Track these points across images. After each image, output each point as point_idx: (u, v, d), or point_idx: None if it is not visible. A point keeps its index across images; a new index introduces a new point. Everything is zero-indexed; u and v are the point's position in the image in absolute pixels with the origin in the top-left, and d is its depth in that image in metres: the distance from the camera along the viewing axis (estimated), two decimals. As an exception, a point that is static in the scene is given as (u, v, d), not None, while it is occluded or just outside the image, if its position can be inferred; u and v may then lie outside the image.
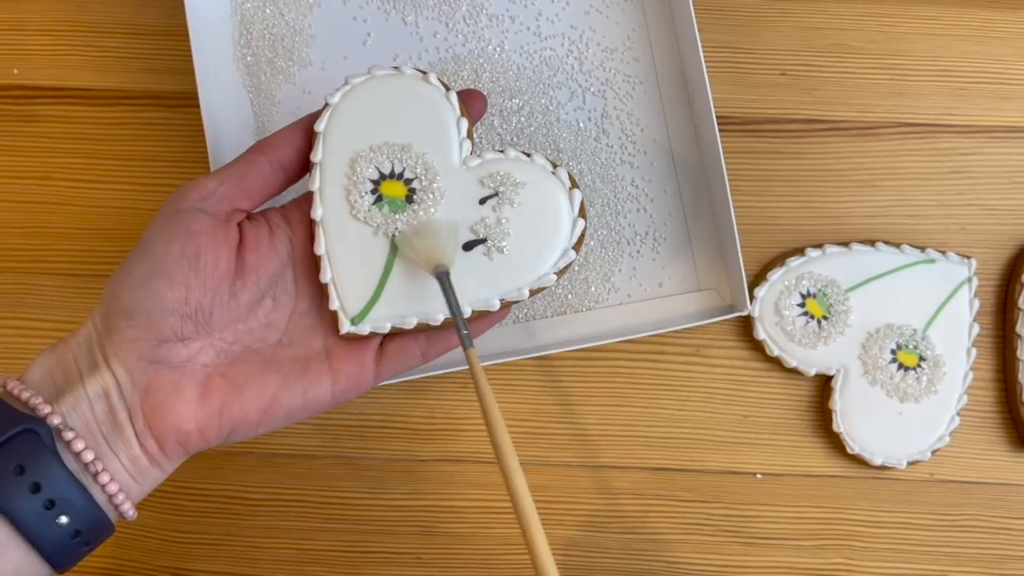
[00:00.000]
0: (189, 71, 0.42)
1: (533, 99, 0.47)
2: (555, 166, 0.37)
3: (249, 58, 0.46)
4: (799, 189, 0.48)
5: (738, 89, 0.48)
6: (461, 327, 0.35)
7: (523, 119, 0.47)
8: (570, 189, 0.37)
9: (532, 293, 0.37)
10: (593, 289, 0.46)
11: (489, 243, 0.37)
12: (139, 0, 0.48)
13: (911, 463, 0.45)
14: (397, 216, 0.36)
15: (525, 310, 0.46)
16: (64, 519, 0.31)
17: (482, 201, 0.37)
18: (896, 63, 0.48)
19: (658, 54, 0.47)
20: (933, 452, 0.45)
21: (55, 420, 0.31)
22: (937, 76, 0.48)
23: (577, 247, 0.37)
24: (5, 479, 0.30)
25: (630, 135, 0.47)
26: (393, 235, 0.36)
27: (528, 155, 0.37)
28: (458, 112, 0.37)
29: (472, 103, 0.38)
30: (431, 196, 0.36)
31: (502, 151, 0.37)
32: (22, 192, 0.47)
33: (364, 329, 0.36)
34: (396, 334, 0.37)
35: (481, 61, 0.47)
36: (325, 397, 0.36)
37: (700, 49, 0.43)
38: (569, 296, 0.46)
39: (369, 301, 0.36)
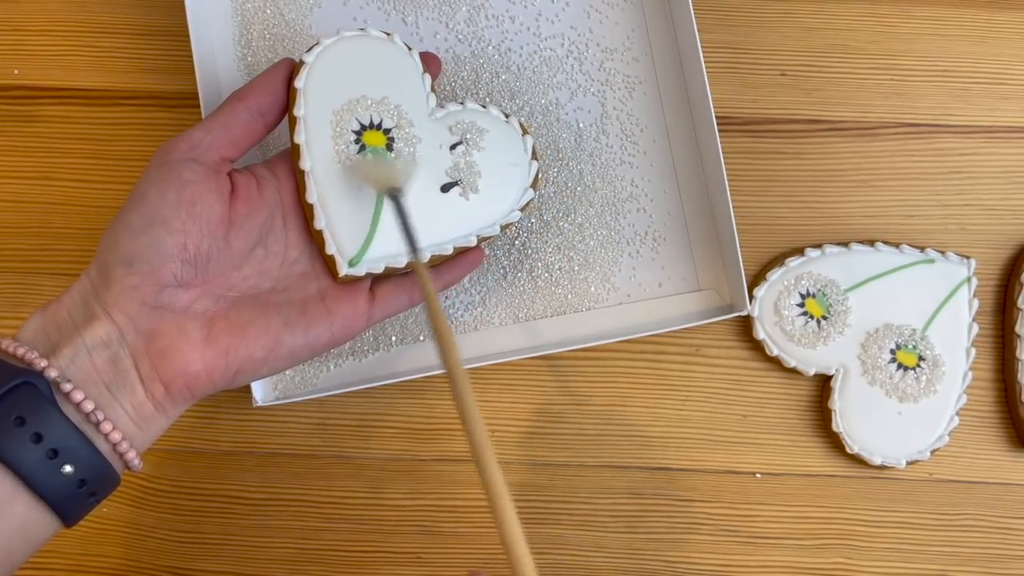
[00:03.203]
0: (189, 71, 0.43)
1: (533, 99, 0.47)
2: (507, 116, 0.41)
3: (249, 58, 0.46)
4: (799, 189, 0.48)
5: (738, 89, 0.48)
6: (411, 238, 0.37)
7: (523, 119, 0.47)
8: (523, 135, 0.41)
9: (503, 228, 0.41)
10: (593, 289, 0.46)
11: (463, 184, 0.40)
12: (140, 0, 0.48)
13: (910, 463, 0.45)
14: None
15: (525, 310, 0.46)
16: (68, 468, 0.31)
17: (452, 148, 0.40)
18: (896, 63, 0.48)
19: (658, 54, 0.47)
20: (932, 452, 0.45)
21: (52, 373, 0.31)
22: (937, 76, 0.48)
23: (534, 185, 0.41)
24: (6, 429, 0.30)
25: (630, 135, 0.47)
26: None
27: (484, 106, 0.41)
28: (422, 68, 0.40)
29: (431, 63, 0.41)
30: (408, 143, 0.39)
31: (461, 103, 0.41)
32: (22, 192, 0.47)
33: (361, 270, 0.38)
34: (385, 278, 0.40)
35: (481, 61, 0.47)
36: (324, 336, 0.37)
37: (700, 49, 0.43)
38: (569, 296, 0.46)
39: (364, 244, 0.38)
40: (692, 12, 0.44)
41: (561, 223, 0.46)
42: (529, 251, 0.46)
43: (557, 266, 0.46)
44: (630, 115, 0.47)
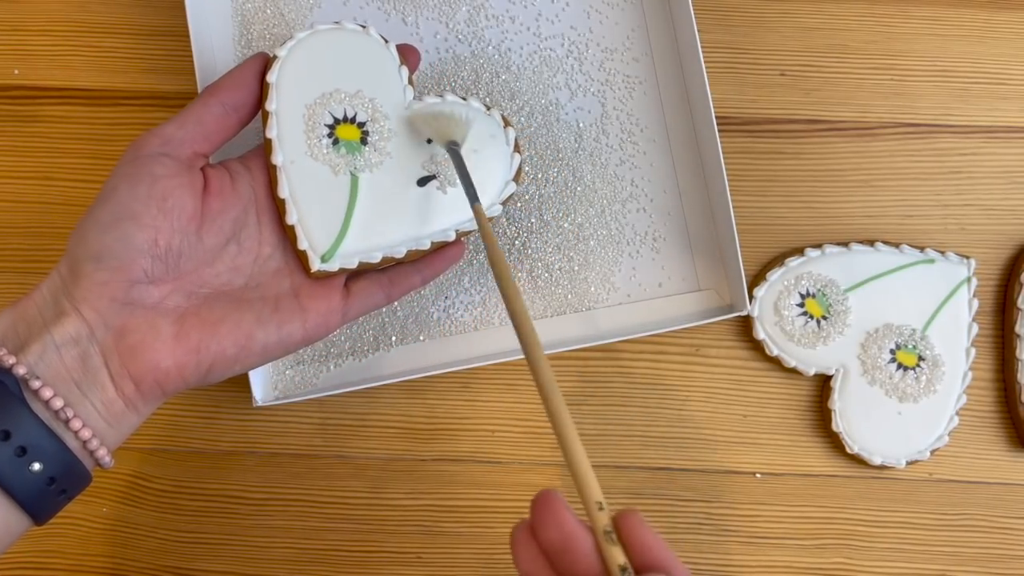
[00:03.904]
0: (190, 71, 0.42)
1: (533, 99, 0.47)
2: (488, 108, 0.41)
3: (249, 58, 0.46)
4: (799, 189, 0.48)
5: (738, 89, 0.48)
6: (470, 187, 0.38)
7: (523, 119, 0.47)
8: (504, 128, 0.40)
9: None
10: (593, 289, 0.46)
11: (441, 178, 0.39)
12: (140, 0, 0.48)
13: (910, 463, 0.45)
14: (354, 156, 0.39)
15: (525, 310, 0.46)
16: (37, 466, 0.31)
17: (429, 140, 0.39)
18: (896, 63, 0.48)
19: (658, 54, 0.47)
20: (932, 452, 0.45)
21: (20, 370, 0.31)
22: (937, 76, 0.48)
23: (516, 179, 0.40)
24: None
25: (630, 135, 0.47)
26: (353, 173, 0.38)
27: (464, 99, 0.40)
28: (398, 61, 0.40)
29: (409, 55, 0.41)
30: (383, 137, 0.39)
31: (441, 95, 0.40)
32: (22, 192, 0.47)
33: (334, 266, 0.38)
34: (360, 274, 0.39)
35: (481, 61, 0.47)
36: (297, 334, 0.37)
37: (700, 49, 0.43)
38: (569, 296, 0.46)
39: (336, 239, 0.38)
40: (692, 12, 0.44)
41: (561, 223, 0.46)
42: (529, 251, 0.46)
43: (557, 266, 0.46)
44: (630, 115, 0.47)
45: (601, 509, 0.28)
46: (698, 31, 0.43)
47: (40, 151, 0.47)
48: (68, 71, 0.48)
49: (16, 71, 0.48)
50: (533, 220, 0.46)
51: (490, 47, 0.47)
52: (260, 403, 0.43)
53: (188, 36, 0.43)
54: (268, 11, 0.47)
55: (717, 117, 0.44)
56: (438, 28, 0.47)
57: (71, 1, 0.48)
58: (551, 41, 0.47)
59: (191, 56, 0.42)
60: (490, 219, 0.40)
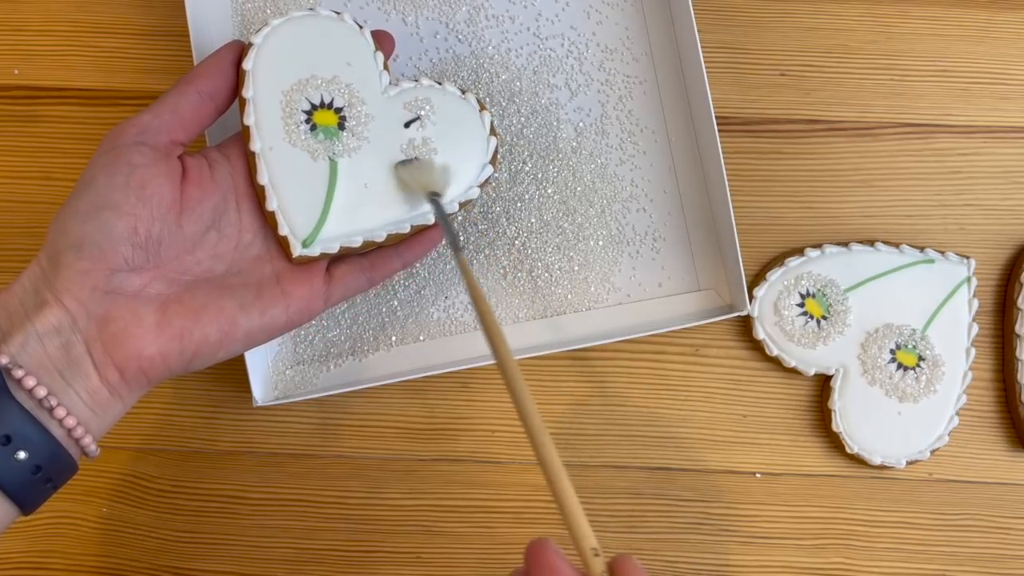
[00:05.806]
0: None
1: (533, 99, 0.47)
2: (463, 92, 0.41)
3: (249, 58, 0.46)
4: (799, 189, 0.48)
5: (738, 89, 0.48)
6: (452, 235, 0.38)
7: (523, 119, 0.47)
8: (480, 111, 0.41)
9: (461, 206, 0.40)
10: (593, 289, 0.46)
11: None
12: (140, 1, 0.48)
13: (910, 463, 0.45)
14: (332, 142, 0.39)
15: (525, 310, 0.46)
16: (22, 454, 0.31)
17: (407, 125, 0.40)
18: (896, 63, 0.48)
19: (658, 54, 0.47)
20: (932, 452, 0.45)
21: (3, 360, 0.31)
22: (937, 76, 0.48)
23: (493, 162, 0.41)
24: None
25: (630, 135, 0.47)
26: (331, 158, 0.39)
27: (440, 83, 0.41)
28: (373, 47, 0.40)
29: (383, 41, 0.41)
30: (361, 122, 0.39)
31: (416, 80, 0.40)
32: (22, 192, 0.47)
33: (315, 251, 0.38)
34: (342, 258, 0.40)
35: (481, 61, 0.47)
36: (280, 319, 0.37)
37: (700, 49, 0.43)
38: (569, 296, 0.46)
39: (317, 224, 0.38)
40: (692, 12, 0.44)
41: (561, 223, 0.46)
42: (529, 251, 0.46)
43: (557, 266, 0.46)
44: (630, 115, 0.47)
45: (597, 555, 0.29)
46: (698, 31, 0.43)
47: (40, 151, 0.47)
48: (68, 71, 0.48)
49: (16, 71, 0.48)
50: (533, 220, 0.46)
51: (490, 47, 0.47)
52: (260, 403, 0.43)
53: (188, 36, 0.43)
54: (268, 11, 0.46)
55: (717, 117, 0.44)
56: (438, 28, 0.47)
57: (71, 1, 0.48)
58: (551, 41, 0.47)
59: (191, 56, 0.42)
60: (468, 202, 0.41)
